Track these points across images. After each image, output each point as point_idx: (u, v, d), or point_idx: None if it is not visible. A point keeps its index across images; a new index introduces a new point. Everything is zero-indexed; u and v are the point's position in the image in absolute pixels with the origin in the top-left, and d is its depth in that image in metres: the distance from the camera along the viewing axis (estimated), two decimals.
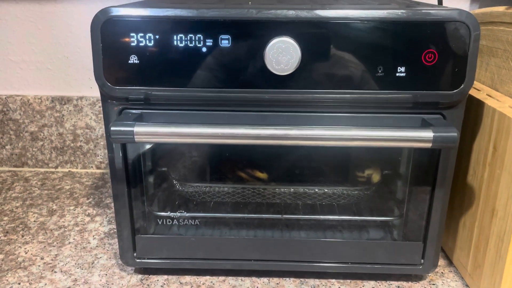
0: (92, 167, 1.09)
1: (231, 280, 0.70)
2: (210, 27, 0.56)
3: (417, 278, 0.71)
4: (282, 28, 0.55)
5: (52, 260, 0.74)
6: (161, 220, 0.72)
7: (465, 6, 0.96)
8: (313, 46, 0.56)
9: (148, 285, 0.69)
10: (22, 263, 0.73)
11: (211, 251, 0.69)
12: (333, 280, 0.70)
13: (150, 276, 0.71)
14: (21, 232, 0.82)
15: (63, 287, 0.68)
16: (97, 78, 0.58)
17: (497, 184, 0.60)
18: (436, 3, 0.87)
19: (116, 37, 0.56)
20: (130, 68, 0.57)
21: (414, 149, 0.66)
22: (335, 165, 0.78)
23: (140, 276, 0.71)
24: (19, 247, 0.78)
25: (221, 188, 0.78)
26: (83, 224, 0.85)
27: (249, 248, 0.68)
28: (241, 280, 0.70)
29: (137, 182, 0.67)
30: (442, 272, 0.72)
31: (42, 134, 1.06)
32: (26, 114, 1.04)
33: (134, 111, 0.60)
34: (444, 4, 0.89)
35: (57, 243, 0.79)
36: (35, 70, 1.04)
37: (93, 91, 1.04)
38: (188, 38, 0.56)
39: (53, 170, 1.09)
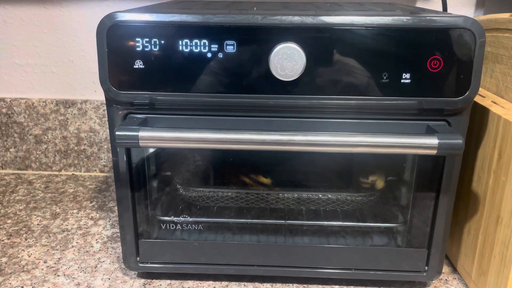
0: (95, 170, 1.09)
1: (234, 285, 0.70)
2: (216, 33, 0.56)
3: (421, 285, 0.71)
4: (287, 34, 0.55)
5: (55, 263, 0.74)
6: (164, 224, 0.72)
7: (470, 12, 0.96)
8: (318, 52, 0.56)
9: None
10: (25, 267, 0.73)
11: (214, 256, 0.69)
12: (337, 287, 0.70)
13: (153, 280, 0.71)
14: (24, 235, 0.82)
15: None
16: (102, 83, 0.58)
17: (502, 191, 0.60)
18: (440, 9, 0.87)
19: (121, 42, 0.56)
20: (135, 73, 0.58)
21: (418, 156, 0.66)
22: (339, 171, 0.78)
23: (143, 280, 0.71)
24: (22, 250, 0.78)
25: (224, 193, 0.78)
26: (86, 228, 0.85)
27: (252, 254, 0.68)
28: (244, 285, 0.70)
29: (140, 186, 0.67)
30: (446, 279, 0.72)
31: (46, 137, 1.06)
32: (31, 117, 1.05)
33: (139, 115, 0.60)
34: (448, 10, 0.89)
35: (60, 246, 0.79)
36: (40, 73, 1.04)
37: (97, 95, 1.05)
38: (194, 44, 0.56)
39: (56, 173, 1.09)
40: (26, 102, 1.04)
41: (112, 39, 0.56)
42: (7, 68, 1.04)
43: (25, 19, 1.00)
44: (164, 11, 0.57)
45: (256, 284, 0.70)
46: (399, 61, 0.56)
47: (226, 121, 0.60)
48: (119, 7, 0.98)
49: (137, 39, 0.56)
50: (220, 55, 0.56)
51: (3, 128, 1.06)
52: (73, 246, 0.79)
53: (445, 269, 0.74)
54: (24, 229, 0.85)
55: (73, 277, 0.71)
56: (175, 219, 0.72)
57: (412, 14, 0.57)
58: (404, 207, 0.73)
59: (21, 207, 0.93)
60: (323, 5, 0.74)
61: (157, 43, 0.56)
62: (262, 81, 0.57)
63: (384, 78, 0.56)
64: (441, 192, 0.63)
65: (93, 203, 0.95)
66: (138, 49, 0.56)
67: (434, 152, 0.55)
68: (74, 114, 1.04)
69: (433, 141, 0.55)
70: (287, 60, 0.56)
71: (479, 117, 0.65)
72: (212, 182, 0.80)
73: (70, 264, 0.74)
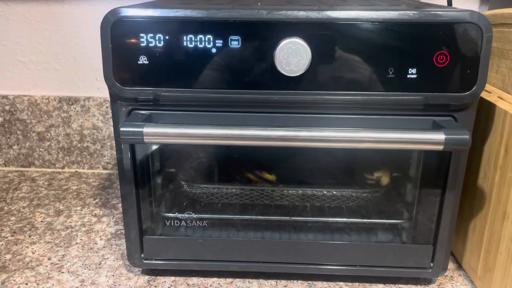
0: (98, 167, 1.09)
1: (238, 282, 0.70)
2: (220, 28, 0.55)
3: (426, 281, 0.70)
4: (292, 29, 0.55)
5: (59, 260, 0.74)
6: (168, 221, 0.72)
7: (475, 7, 0.95)
8: (324, 47, 0.56)
9: (155, 286, 0.69)
10: (30, 263, 0.73)
11: (218, 252, 0.68)
12: (341, 283, 0.70)
13: (157, 277, 0.71)
14: (28, 232, 0.82)
15: None
16: (106, 79, 0.58)
17: (509, 187, 0.59)
18: (445, 4, 0.87)
19: (125, 37, 0.56)
20: (139, 69, 0.57)
21: (424, 152, 0.66)
22: (344, 167, 0.78)
23: (147, 277, 0.71)
24: (26, 247, 0.78)
25: (229, 189, 0.77)
26: (90, 225, 0.85)
27: (257, 250, 0.68)
28: (249, 282, 0.70)
29: (145, 182, 0.67)
30: (451, 276, 0.71)
31: (49, 134, 1.06)
32: (34, 114, 1.05)
33: (143, 111, 0.60)
34: (453, 5, 0.88)
35: (64, 243, 0.79)
36: (43, 70, 1.04)
37: (100, 92, 1.04)
38: (198, 39, 0.56)
39: (60, 170, 1.09)
40: (29, 99, 1.04)
41: (116, 34, 0.56)
42: (10, 65, 1.04)
43: (27, 16, 1.00)
44: (168, 6, 0.56)
45: (261, 280, 0.70)
46: (405, 56, 0.55)
47: (231, 117, 0.60)
48: (121, 3, 0.98)
49: (141, 34, 0.56)
50: (225, 50, 0.56)
51: (6, 125, 1.06)
52: (77, 243, 0.79)
53: (451, 265, 0.74)
54: (27, 226, 0.85)
55: (77, 274, 0.71)
56: (179, 215, 0.72)
57: (418, 9, 0.56)
58: (409, 204, 0.72)
59: (24, 204, 0.93)
60: (328, 0, 0.73)
61: (161, 38, 0.56)
62: (267, 76, 0.57)
63: (390, 73, 0.56)
64: (447, 188, 0.62)
65: (97, 200, 0.95)
66: (142, 44, 0.56)
67: (440, 147, 0.55)
68: (77, 111, 1.04)
69: (440, 136, 0.54)
70: (292, 56, 0.55)
71: (485, 112, 0.64)
72: (217, 179, 0.80)
73: (74, 261, 0.74)
